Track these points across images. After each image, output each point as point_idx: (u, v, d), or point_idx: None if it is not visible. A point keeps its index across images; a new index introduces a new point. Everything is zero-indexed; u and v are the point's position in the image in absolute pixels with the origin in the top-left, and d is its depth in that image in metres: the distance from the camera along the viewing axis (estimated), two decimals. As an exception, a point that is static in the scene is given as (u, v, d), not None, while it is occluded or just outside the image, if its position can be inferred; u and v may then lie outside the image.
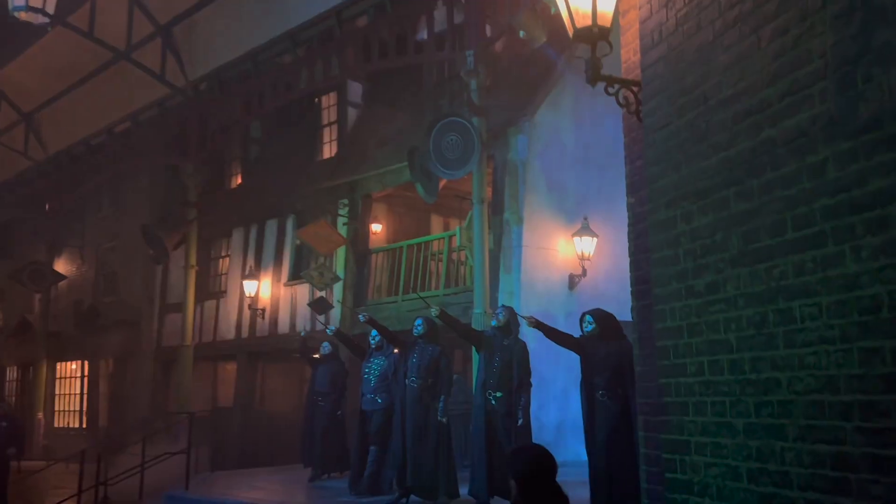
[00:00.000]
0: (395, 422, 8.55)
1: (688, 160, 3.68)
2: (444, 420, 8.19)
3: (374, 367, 9.17)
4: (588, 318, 7.12)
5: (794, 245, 3.02)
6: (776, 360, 3.09)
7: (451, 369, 8.65)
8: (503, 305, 8.29)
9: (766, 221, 3.17)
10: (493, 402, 7.59)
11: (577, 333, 12.96)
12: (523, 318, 7.47)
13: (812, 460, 2.90)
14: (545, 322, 7.47)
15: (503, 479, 7.47)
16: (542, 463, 3.70)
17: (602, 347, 6.81)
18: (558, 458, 9.24)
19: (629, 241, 4.66)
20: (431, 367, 8.28)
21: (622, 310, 13.60)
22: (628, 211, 4.67)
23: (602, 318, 7.01)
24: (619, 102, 4.62)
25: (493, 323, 7.99)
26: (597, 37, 4.34)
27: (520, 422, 7.44)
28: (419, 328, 8.50)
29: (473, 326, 11.56)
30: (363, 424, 9.21)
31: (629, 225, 4.67)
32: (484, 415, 7.62)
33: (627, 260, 14.39)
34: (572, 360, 12.56)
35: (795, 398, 2.99)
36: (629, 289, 13.51)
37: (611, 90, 4.59)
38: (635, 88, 4.52)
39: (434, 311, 8.10)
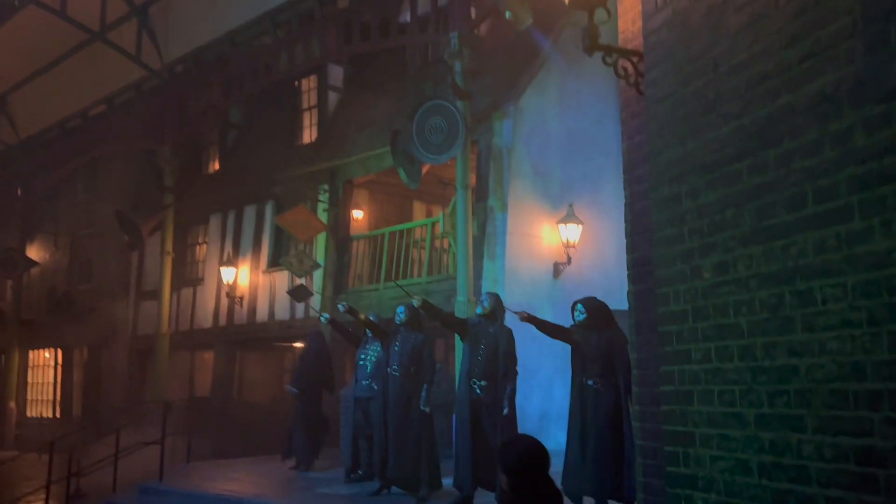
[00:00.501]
0: (376, 412, 8.31)
1: (694, 132, 3.43)
2: (426, 410, 7.99)
3: (371, 354, 8.96)
4: (579, 306, 7.05)
5: (815, 220, 2.77)
6: (793, 346, 2.85)
7: (434, 358, 8.41)
8: (488, 292, 8.03)
9: (783, 195, 2.92)
10: (479, 391, 7.35)
11: (562, 322, 12.77)
12: (514, 312, 7.26)
13: (834, 454, 2.66)
14: (529, 311, 7.33)
15: (488, 471, 7.26)
16: (534, 456, 3.46)
17: (594, 336, 6.76)
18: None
19: (626, 222, 4.40)
20: (414, 355, 8.10)
21: (607, 298, 13.41)
22: (625, 190, 4.41)
23: (593, 306, 6.99)
24: (617, 73, 4.35)
25: (479, 310, 7.73)
26: (595, 2, 4.07)
27: (505, 411, 7.19)
28: (401, 316, 8.32)
29: (457, 314, 11.34)
30: (358, 412, 8.95)
31: (626, 205, 4.41)
32: (468, 404, 7.37)
33: (612, 248, 14.22)
34: (556, 348, 12.37)
35: (815, 386, 2.75)
36: (614, 277, 13.38)
37: (608, 60, 4.32)
38: (635, 58, 4.25)
39: (416, 301, 7.88)
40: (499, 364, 7.32)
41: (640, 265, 4.29)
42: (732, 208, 3.17)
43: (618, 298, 13.78)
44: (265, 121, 17.99)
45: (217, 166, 18.81)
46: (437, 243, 13.95)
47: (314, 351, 11.43)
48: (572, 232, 12.41)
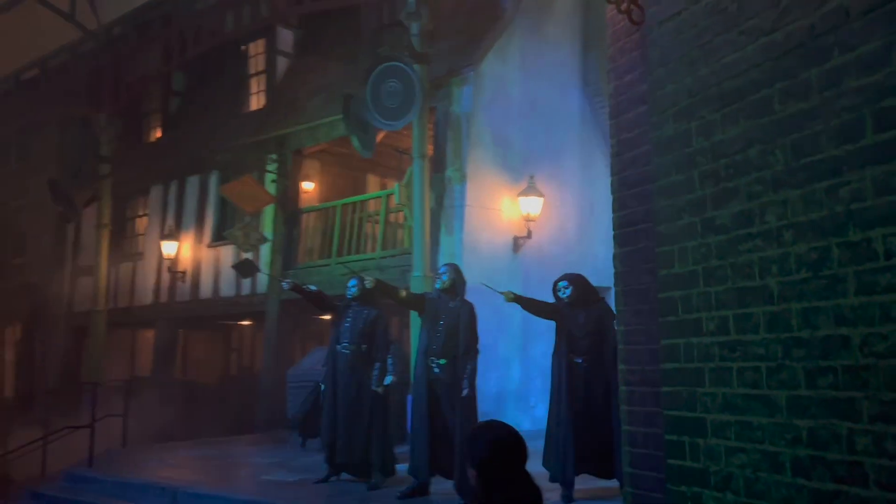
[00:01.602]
0: (325, 393, 7.68)
1: (708, 55, 2.82)
2: (379, 390, 7.40)
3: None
4: (562, 283, 6.75)
5: (877, 152, 2.19)
6: (842, 313, 2.28)
7: (389, 334, 7.81)
8: (448, 264, 7.31)
9: (829, 124, 2.33)
10: (437, 370, 6.74)
11: (535, 297, 12.24)
12: (500, 293, 6.80)
13: (900, 448, 2.10)
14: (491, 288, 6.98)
15: (446, 457, 6.68)
16: (509, 446, 2.85)
17: (581, 312, 6.56)
18: None
19: (612, 176, 3.80)
20: (367, 331, 7.52)
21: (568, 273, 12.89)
22: (611, 139, 3.81)
23: (578, 281, 6.75)
24: (606, -1, 3.73)
25: (437, 285, 7.09)
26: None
27: (465, 392, 6.64)
28: (353, 289, 7.68)
29: (412, 290, 10.72)
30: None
31: (612, 156, 3.81)
32: (426, 384, 6.76)
33: (573, 222, 13.69)
34: (513, 326, 11.90)
35: (874, 363, 2.18)
36: (574, 251, 12.83)
37: (597, -18, 3.69)
38: (628, -20, 3.63)
39: (368, 282, 7.35)
40: (459, 341, 6.74)
41: (627, 224, 3.71)
42: (759, 145, 2.58)
43: (579, 273, 13.21)
44: (209, 87, 17.09)
45: (158, 135, 17.89)
46: (392, 217, 13.31)
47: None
48: (533, 205, 11.84)
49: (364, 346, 7.47)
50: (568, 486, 6.27)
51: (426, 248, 11.00)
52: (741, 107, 2.65)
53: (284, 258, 13.97)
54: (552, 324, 12.23)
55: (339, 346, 7.55)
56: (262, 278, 13.99)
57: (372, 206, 13.49)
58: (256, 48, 16.00)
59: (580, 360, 6.40)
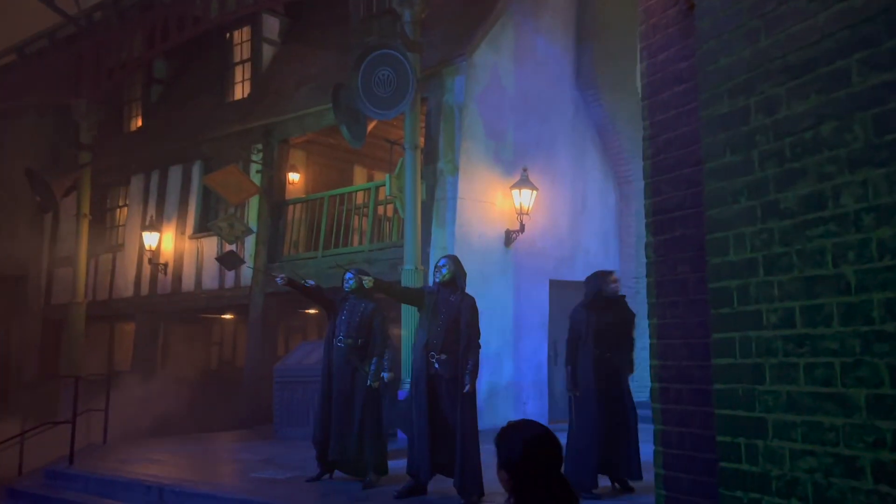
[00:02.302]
0: (320, 388, 7.44)
1: (771, 25, 2.61)
2: (374, 386, 7.18)
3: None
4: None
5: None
6: (936, 303, 2.08)
7: (387, 328, 7.54)
8: (447, 256, 6.96)
9: (920, 97, 2.13)
10: (437, 365, 6.49)
11: (521, 292, 12.01)
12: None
13: None
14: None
15: (446, 454, 6.44)
16: (546, 446, 2.63)
17: (607, 311, 6.75)
18: (490, 425, 8.40)
19: (644, 161, 3.58)
20: (363, 325, 7.31)
21: (560, 267, 12.73)
22: (644, 121, 3.59)
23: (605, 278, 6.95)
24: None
25: (437, 278, 6.78)
26: None
27: (466, 388, 6.40)
28: (350, 282, 7.46)
29: (405, 284, 10.48)
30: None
31: (644, 139, 3.59)
32: (426, 380, 6.51)
33: (566, 216, 13.47)
34: (506, 321, 11.70)
35: (976, 358, 1.98)
36: (566, 246, 12.68)
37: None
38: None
39: (367, 282, 6.95)
40: (460, 336, 6.50)
41: (662, 211, 3.49)
42: (833, 121, 2.37)
43: (569, 268, 13.02)
44: (193, 75, 16.75)
45: (140, 123, 17.47)
46: (381, 210, 13.06)
47: None
48: (526, 198, 11.63)
49: (361, 340, 7.28)
50: None
51: (417, 241, 10.78)
52: (811, 80, 2.44)
53: (269, 250, 13.68)
54: (544, 320, 12.12)
55: (335, 340, 7.34)
56: (246, 271, 13.69)
57: (360, 198, 13.23)
58: (241, 36, 15.67)
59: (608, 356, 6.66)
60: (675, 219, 3.41)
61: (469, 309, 6.59)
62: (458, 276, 6.73)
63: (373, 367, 7.17)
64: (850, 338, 2.29)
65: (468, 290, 6.79)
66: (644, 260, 12.74)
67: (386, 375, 7.28)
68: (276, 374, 11.38)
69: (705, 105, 2.84)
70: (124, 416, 12.60)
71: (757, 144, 2.62)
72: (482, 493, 6.32)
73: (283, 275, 7.74)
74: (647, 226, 3.55)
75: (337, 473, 7.55)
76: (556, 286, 12.26)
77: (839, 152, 2.35)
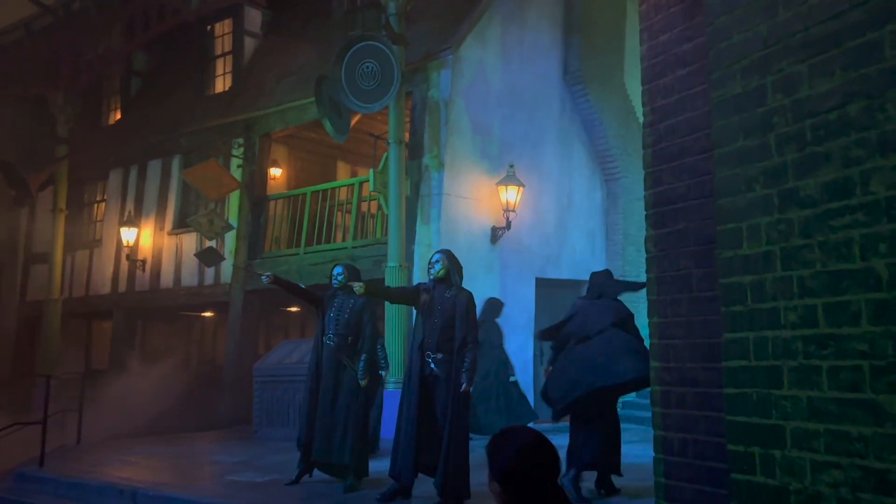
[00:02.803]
0: (306, 386, 7.28)
1: (789, -2, 2.41)
2: (363, 384, 6.94)
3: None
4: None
5: None
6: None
7: (377, 324, 7.36)
8: (441, 251, 6.65)
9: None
10: (433, 364, 6.24)
11: (508, 290, 11.80)
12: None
13: None
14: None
15: (430, 454, 6.20)
16: (538, 454, 2.41)
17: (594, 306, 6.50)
18: (475, 425, 8.08)
19: (644, 149, 3.38)
20: (353, 321, 7.09)
21: (546, 265, 12.52)
22: (644, 108, 3.39)
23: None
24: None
25: (431, 275, 6.53)
26: None
27: (463, 387, 6.16)
28: (339, 277, 7.24)
29: (388, 282, 10.26)
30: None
31: (644, 126, 3.38)
32: (419, 380, 6.26)
33: (552, 213, 13.27)
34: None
35: None
36: (553, 243, 12.65)
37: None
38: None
39: (357, 288, 6.58)
40: (455, 333, 6.27)
41: (664, 203, 3.28)
42: (862, 100, 2.16)
43: (555, 266, 12.80)
44: (173, 68, 16.40)
45: (118, 116, 17.10)
46: (364, 206, 12.82)
47: None
48: (512, 195, 11.41)
49: (350, 338, 7.07)
50: None
51: (402, 238, 10.56)
52: (837, 55, 2.23)
53: (250, 246, 13.41)
54: (531, 316, 11.91)
55: (324, 338, 7.15)
56: (227, 268, 13.41)
57: (343, 194, 12.98)
58: (223, 28, 15.36)
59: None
60: (678, 210, 3.20)
61: (465, 304, 6.33)
62: (452, 271, 6.49)
63: (362, 365, 6.94)
64: (881, 338, 2.09)
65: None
66: (631, 258, 12.57)
67: (383, 373, 7.09)
68: (256, 373, 11.13)
69: (716, 86, 2.63)
70: (100, 416, 12.30)
71: (774, 127, 2.42)
72: (467, 496, 6.11)
73: (268, 272, 7.48)
74: (646, 218, 3.34)
75: (316, 474, 7.31)
76: (543, 284, 12.06)
77: (869, 134, 2.15)
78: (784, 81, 2.39)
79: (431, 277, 6.52)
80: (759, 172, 2.47)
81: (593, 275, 6.83)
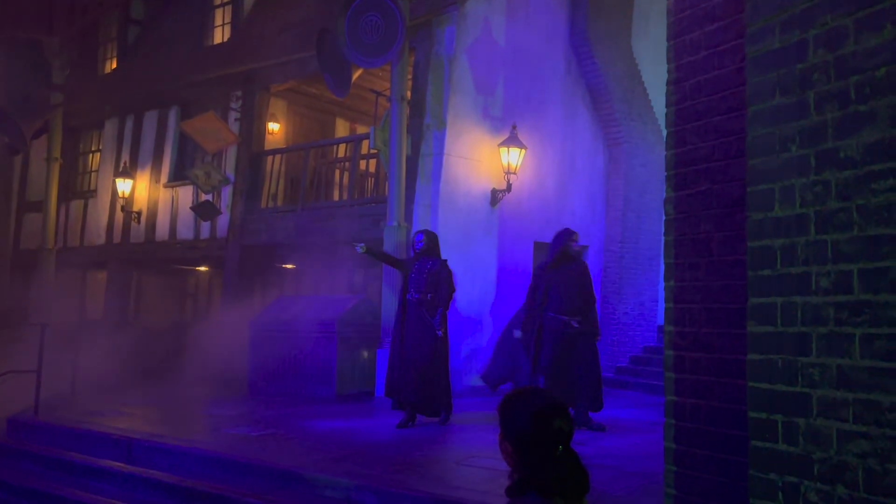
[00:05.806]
0: (392, 338, 8.43)
1: (835, -51, 2.30)
2: (440, 333, 8.00)
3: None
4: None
5: None
6: None
7: (452, 281, 8.22)
8: (420, 231, 8.30)
9: None
10: (411, 300, 8.07)
11: (506, 253, 11.86)
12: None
13: None
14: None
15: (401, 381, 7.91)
16: (556, 418, 2.33)
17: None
18: (469, 385, 8.53)
19: (667, 108, 3.28)
20: (430, 280, 8.08)
21: (545, 229, 12.44)
22: (669, 64, 3.28)
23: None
24: None
25: (411, 253, 8.32)
26: None
27: (439, 333, 7.90)
28: (421, 244, 8.21)
29: (387, 240, 10.23)
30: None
31: (669, 84, 3.28)
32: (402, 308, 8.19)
33: (553, 177, 13.16)
34: (487, 283, 11.45)
35: None
36: (552, 207, 13.05)
37: None
38: None
39: (360, 248, 8.27)
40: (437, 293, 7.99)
41: (687, 164, 3.19)
42: (911, 57, 2.07)
43: (554, 230, 12.83)
44: (171, 17, 16.12)
45: (115, 65, 16.81)
46: (363, 164, 12.67)
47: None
48: (514, 156, 11.28)
49: (429, 295, 8.01)
50: None
51: (401, 197, 10.45)
52: (888, 8, 2.13)
53: (247, 202, 13.28)
54: (526, 283, 11.86)
55: (408, 296, 8.13)
56: (222, 221, 13.30)
57: (343, 152, 12.83)
58: (223, -23, 15.06)
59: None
60: (701, 171, 3.11)
61: (443, 268, 8.11)
62: (432, 245, 8.17)
63: (438, 318, 7.96)
64: (919, 306, 2.02)
65: (451, 251, 8.03)
66: (630, 224, 12.51)
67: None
68: (252, 328, 11.08)
69: (753, 40, 2.53)
70: (94, 366, 12.24)
71: (814, 84, 2.33)
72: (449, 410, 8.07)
73: (361, 243, 8.46)
74: (667, 178, 3.26)
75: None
76: (541, 248, 11.99)
77: (915, 94, 2.06)
78: (827, 36, 2.30)
79: (416, 251, 8.12)
80: (796, 132, 2.38)
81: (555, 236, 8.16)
